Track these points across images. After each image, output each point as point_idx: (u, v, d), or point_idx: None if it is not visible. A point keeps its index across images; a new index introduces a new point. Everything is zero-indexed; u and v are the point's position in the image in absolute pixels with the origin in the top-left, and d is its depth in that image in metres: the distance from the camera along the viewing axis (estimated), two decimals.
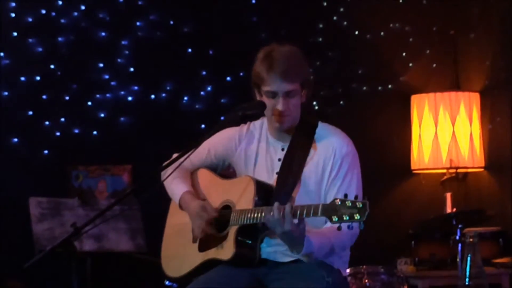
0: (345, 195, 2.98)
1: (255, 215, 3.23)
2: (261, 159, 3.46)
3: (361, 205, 2.93)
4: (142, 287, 5.19)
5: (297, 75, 3.32)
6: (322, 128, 3.42)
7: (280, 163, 3.40)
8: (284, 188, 3.32)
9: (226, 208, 3.41)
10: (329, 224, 3.04)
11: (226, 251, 3.31)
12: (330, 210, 2.97)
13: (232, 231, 3.32)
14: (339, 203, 2.96)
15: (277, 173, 3.39)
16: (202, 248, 3.46)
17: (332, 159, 3.33)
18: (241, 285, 3.32)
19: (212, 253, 3.39)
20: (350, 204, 2.94)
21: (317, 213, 3.02)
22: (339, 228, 2.98)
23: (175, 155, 3.42)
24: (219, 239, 3.38)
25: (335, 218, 2.95)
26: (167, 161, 3.42)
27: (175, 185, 3.56)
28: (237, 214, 3.32)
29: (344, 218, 2.94)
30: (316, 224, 3.23)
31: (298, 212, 3.07)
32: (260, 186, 3.33)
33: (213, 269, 3.38)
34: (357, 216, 2.93)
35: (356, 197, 2.96)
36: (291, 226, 3.06)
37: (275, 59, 3.31)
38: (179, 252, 3.56)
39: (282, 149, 3.43)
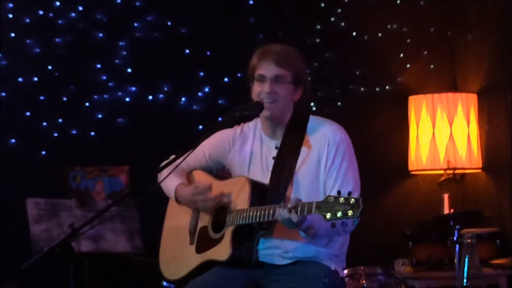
0: (339, 192, 2.99)
1: (251, 214, 3.23)
2: (256, 159, 3.47)
3: (354, 201, 2.94)
4: None
5: (289, 63, 3.36)
6: (313, 121, 3.44)
7: (274, 161, 3.41)
8: (278, 186, 3.33)
9: (222, 209, 3.42)
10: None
11: (222, 251, 3.32)
12: (323, 207, 2.99)
13: (228, 231, 3.33)
14: (332, 200, 2.97)
15: (272, 171, 3.39)
16: (199, 250, 3.46)
17: (326, 148, 3.35)
18: (238, 286, 3.32)
19: (209, 254, 3.40)
20: (343, 200, 2.95)
21: (311, 211, 3.03)
22: (333, 225, 2.99)
23: (172, 156, 3.42)
24: (216, 240, 3.38)
25: (328, 215, 2.96)
26: (165, 162, 3.43)
27: (168, 183, 3.56)
28: (233, 215, 3.32)
29: (338, 215, 2.95)
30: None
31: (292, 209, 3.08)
32: (255, 186, 3.34)
33: (210, 270, 3.39)
34: (350, 213, 2.93)
35: (349, 193, 2.97)
36: (296, 223, 3.10)
37: (270, 48, 3.39)
38: (177, 255, 3.57)
39: (276, 147, 3.43)
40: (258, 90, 3.38)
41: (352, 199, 2.94)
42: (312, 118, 3.45)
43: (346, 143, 3.37)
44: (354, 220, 2.96)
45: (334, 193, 3.00)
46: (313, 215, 3.11)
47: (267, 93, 3.35)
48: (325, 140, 3.35)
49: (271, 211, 3.18)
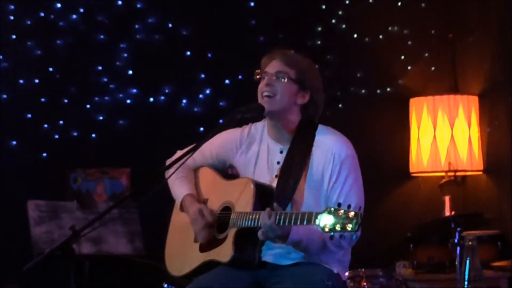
0: (339, 204, 2.98)
1: (253, 217, 3.23)
2: (262, 161, 3.47)
3: (353, 215, 2.93)
4: None
5: (293, 62, 3.38)
6: (322, 131, 3.42)
7: (278, 166, 3.41)
8: (285, 191, 3.32)
9: (226, 210, 3.42)
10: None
11: (225, 253, 3.32)
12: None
13: (231, 233, 3.33)
14: (332, 211, 2.96)
15: (276, 176, 3.39)
16: (203, 249, 3.46)
17: (331, 163, 3.33)
18: (242, 287, 3.32)
19: (212, 254, 3.40)
20: (343, 213, 2.94)
21: (311, 221, 3.02)
22: (331, 238, 2.99)
23: (179, 152, 3.43)
24: (219, 241, 3.39)
25: (328, 228, 2.95)
26: (171, 159, 3.44)
27: (177, 186, 3.57)
28: (236, 216, 3.33)
29: (337, 228, 2.94)
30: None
31: (293, 218, 3.09)
32: (260, 188, 3.33)
33: (214, 269, 3.39)
34: (349, 227, 2.92)
35: (349, 206, 2.95)
36: (277, 232, 3.13)
37: (280, 49, 3.44)
38: (181, 251, 3.57)
39: (281, 152, 3.43)
40: (260, 87, 3.39)
41: (352, 213, 2.93)
42: (320, 128, 3.43)
43: (352, 159, 3.35)
44: (352, 234, 2.94)
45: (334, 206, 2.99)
46: (302, 230, 3.13)
47: (265, 85, 3.36)
48: (331, 154, 3.34)
49: None
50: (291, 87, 3.38)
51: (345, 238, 2.99)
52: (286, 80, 3.36)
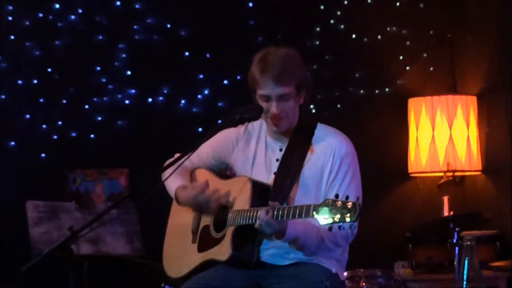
0: (336, 196, 2.98)
1: (251, 215, 3.24)
2: (259, 160, 3.47)
3: (351, 206, 2.93)
4: None
5: (290, 78, 3.32)
6: (321, 129, 3.43)
7: (277, 163, 3.41)
8: (282, 188, 3.33)
9: (224, 209, 3.43)
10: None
11: (223, 251, 3.32)
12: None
13: (229, 231, 3.33)
14: (330, 203, 2.96)
15: (274, 173, 3.40)
16: (201, 249, 3.47)
17: (331, 160, 3.34)
18: (241, 286, 3.33)
19: (210, 254, 3.41)
20: (341, 204, 2.95)
21: (309, 214, 3.02)
22: (330, 229, 2.99)
23: (177, 155, 3.44)
24: (217, 240, 3.39)
25: (326, 219, 2.95)
26: (169, 160, 3.44)
27: (171, 182, 3.56)
28: (234, 215, 3.33)
29: (335, 219, 2.94)
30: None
31: (291, 212, 3.09)
32: (257, 186, 3.34)
33: (213, 267, 3.40)
34: (347, 217, 2.93)
35: (347, 197, 2.96)
36: (274, 227, 3.13)
37: (268, 62, 3.31)
38: (179, 253, 3.58)
39: (280, 150, 3.44)
40: (265, 107, 3.35)
41: (350, 203, 2.94)
42: (320, 126, 3.44)
43: (351, 156, 3.37)
44: (351, 225, 2.94)
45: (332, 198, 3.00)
46: (299, 226, 3.14)
47: (276, 114, 3.34)
48: (331, 151, 3.35)
49: None
50: (295, 101, 3.37)
51: (344, 229, 2.99)
52: (290, 99, 3.34)
